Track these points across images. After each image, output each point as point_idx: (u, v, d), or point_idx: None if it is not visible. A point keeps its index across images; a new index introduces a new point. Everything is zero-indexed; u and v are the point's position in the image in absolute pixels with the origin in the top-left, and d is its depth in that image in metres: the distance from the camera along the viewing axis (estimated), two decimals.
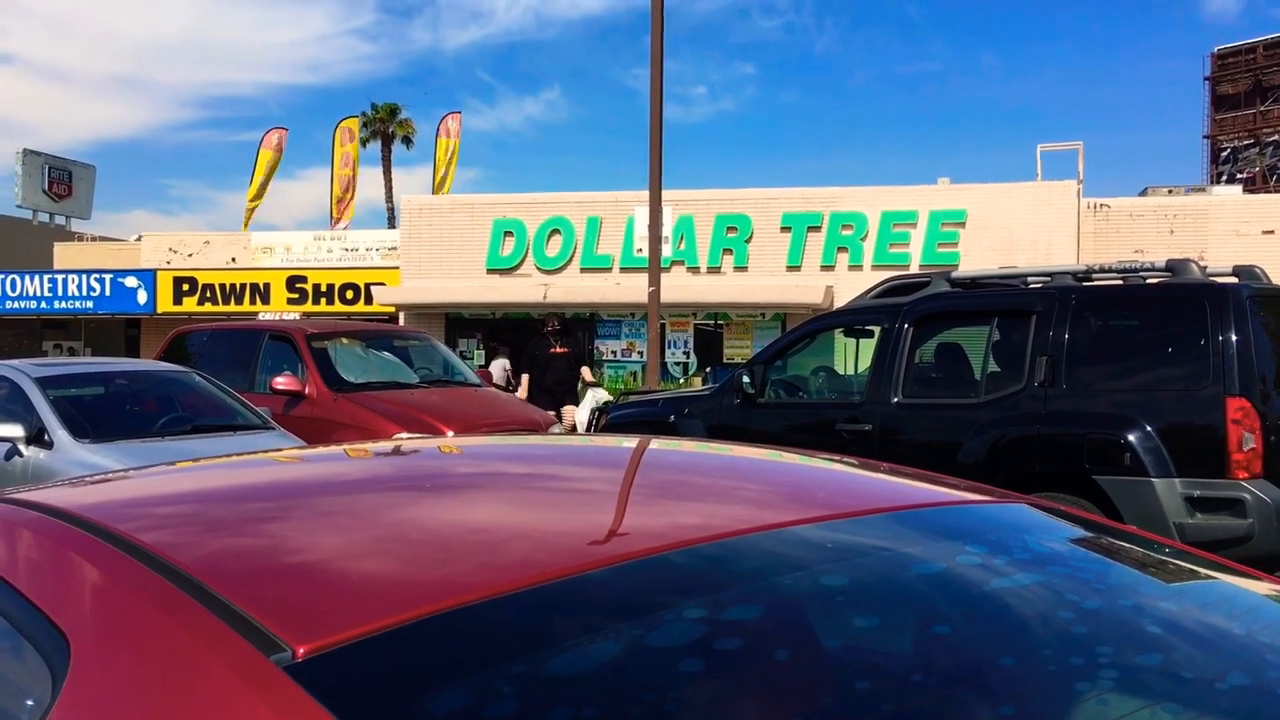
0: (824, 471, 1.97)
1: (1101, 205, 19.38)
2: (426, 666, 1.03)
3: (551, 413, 13.01)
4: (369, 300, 22.20)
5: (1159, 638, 1.33)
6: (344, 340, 10.87)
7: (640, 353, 19.84)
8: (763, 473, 1.96)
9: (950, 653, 1.25)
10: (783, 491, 1.79)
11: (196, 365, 9.66)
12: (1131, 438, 5.80)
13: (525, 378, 13.89)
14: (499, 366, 19.55)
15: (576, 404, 13.81)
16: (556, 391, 13.56)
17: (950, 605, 1.33)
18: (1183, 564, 1.61)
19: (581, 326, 20.12)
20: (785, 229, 19.60)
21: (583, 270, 20.55)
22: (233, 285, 23.87)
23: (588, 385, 14.21)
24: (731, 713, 1.09)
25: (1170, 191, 23.19)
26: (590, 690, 1.05)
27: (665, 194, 14.90)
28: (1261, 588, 1.55)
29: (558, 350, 13.69)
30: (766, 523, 1.44)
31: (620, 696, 1.05)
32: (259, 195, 29.66)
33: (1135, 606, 1.41)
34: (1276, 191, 38.14)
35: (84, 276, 24.79)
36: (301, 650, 1.00)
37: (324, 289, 23.37)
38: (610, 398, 12.09)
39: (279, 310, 22.93)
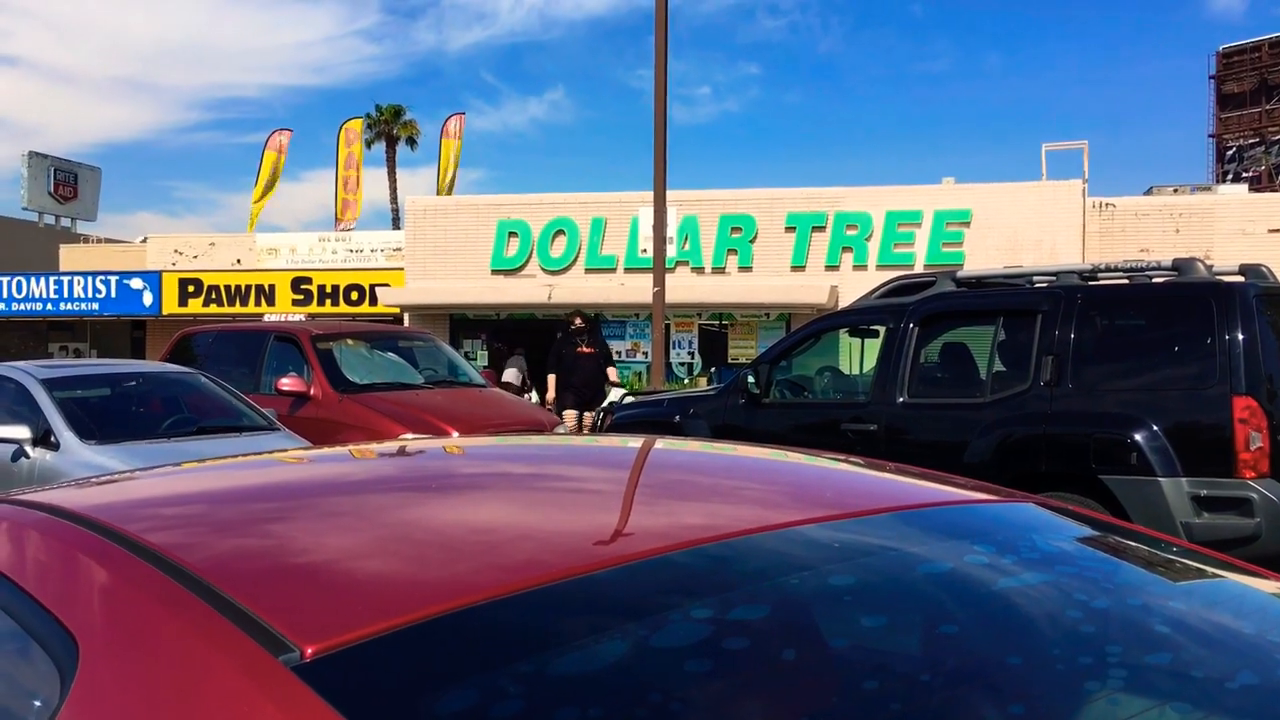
0: (830, 471, 1.96)
1: (1107, 204, 19.35)
2: (434, 666, 1.03)
3: (571, 412, 12.42)
4: (374, 301, 22.23)
5: (1168, 637, 1.32)
6: (349, 341, 10.88)
7: (645, 353, 19.85)
8: (768, 472, 1.96)
9: (959, 652, 1.25)
10: (788, 491, 1.79)
11: (202, 366, 9.67)
12: (1138, 437, 5.79)
13: (552, 379, 13.25)
14: (515, 367, 19.53)
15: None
16: (584, 394, 12.81)
17: (958, 605, 1.33)
18: (1191, 563, 1.61)
19: None
20: (790, 229, 19.60)
21: (587, 271, 20.56)
22: (238, 287, 23.91)
23: (612, 385, 13.62)
24: (739, 713, 1.08)
25: (1175, 190, 23.17)
26: (597, 690, 1.05)
27: (670, 194, 14.90)
28: (1270, 586, 1.55)
29: (585, 350, 12.99)
30: (772, 523, 1.44)
31: (627, 697, 1.05)
32: (264, 197, 29.71)
33: (1144, 606, 1.41)
34: None
35: (89, 278, 24.85)
36: (310, 650, 1.00)
37: (329, 290, 23.40)
38: (632, 399, 11.80)
39: (284, 311, 22.96)
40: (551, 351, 13.60)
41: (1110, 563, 1.57)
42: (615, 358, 20.61)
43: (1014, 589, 1.37)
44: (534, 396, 13.55)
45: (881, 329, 7.29)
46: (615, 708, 1.03)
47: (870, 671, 1.19)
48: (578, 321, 13.20)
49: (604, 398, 12.88)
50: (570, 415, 12.63)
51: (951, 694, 1.17)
